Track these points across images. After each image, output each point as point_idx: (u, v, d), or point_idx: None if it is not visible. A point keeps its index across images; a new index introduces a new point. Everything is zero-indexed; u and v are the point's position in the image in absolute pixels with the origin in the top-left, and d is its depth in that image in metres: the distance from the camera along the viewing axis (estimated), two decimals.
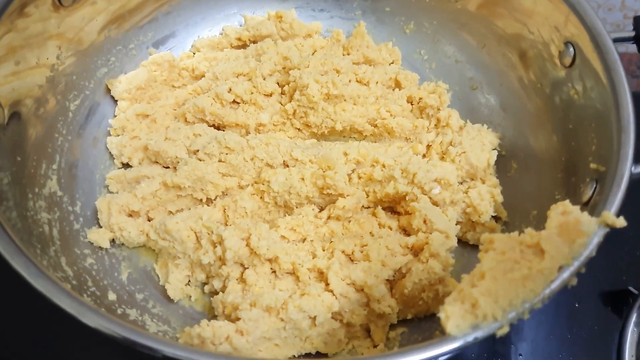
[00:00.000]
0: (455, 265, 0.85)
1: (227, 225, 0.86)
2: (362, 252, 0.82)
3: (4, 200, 0.71)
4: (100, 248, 0.84)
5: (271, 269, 0.81)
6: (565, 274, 0.60)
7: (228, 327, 0.71)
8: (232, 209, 0.86)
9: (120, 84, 0.96)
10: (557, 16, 0.85)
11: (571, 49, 0.84)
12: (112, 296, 0.78)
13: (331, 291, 0.77)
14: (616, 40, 0.79)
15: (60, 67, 0.88)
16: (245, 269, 0.81)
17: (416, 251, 0.82)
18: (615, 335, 0.92)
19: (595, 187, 0.72)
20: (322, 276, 0.81)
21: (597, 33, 0.79)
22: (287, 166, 0.89)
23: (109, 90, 0.97)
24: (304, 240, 0.85)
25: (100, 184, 0.92)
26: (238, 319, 0.73)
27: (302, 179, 0.86)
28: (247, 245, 0.80)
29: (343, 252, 0.83)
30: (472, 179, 0.92)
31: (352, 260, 0.82)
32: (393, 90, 1.03)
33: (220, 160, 0.87)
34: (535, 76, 0.94)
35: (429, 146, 0.96)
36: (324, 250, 0.84)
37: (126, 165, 0.94)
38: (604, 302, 0.96)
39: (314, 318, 0.74)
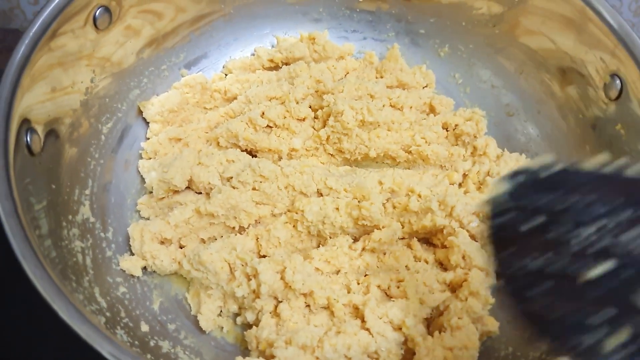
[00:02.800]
0: (494, 303, 0.84)
1: (260, 255, 0.84)
2: (398, 287, 0.80)
3: (37, 228, 0.70)
4: (132, 276, 0.83)
5: (305, 303, 0.80)
6: None
7: None
8: (265, 238, 0.85)
9: (153, 107, 0.95)
10: (604, 47, 0.83)
11: (618, 82, 0.82)
12: (144, 327, 0.77)
13: (367, 329, 0.75)
14: None
15: (94, 90, 0.88)
16: (279, 302, 0.80)
17: (454, 287, 0.80)
18: None
19: None
20: (357, 312, 0.79)
21: None
22: (321, 195, 0.88)
23: (140, 112, 0.96)
24: (338, 272, 0.83)
25: (132, 208, 0.91)
26: (273, 356, 0.72)
27: (337, 208, 0.84)
28: (282, 278, 0.78)
29: (379, 287, 0.82)
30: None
31: (388, 296, 0.81)
32: (427, 115, 1.01)
33: (254, 189, 0.86)
34: (577, 106, 0.91)
35: (465, 175, 0.94)
36: (358, 284, 0.83)
37: None
38: None
39: (350, 357, 0.72)
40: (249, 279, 0.78)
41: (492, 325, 0.80)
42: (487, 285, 0.78)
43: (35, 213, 0.71)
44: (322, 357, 0.72)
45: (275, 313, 0.79)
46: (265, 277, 0.76)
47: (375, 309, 0.76)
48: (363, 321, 0.76)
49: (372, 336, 0.74)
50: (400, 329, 0.75)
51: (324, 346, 0.72)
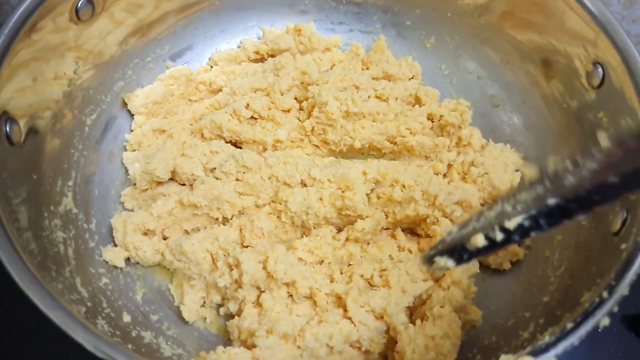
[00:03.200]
0: (476, 292, 0.84)
1: (243, 245, 0.84)
2: (381, 276, 0.80)
3: (15, 221, 0.69)
4: (115, 267, 0.83)
5: (288, 292, 0.80)
6: (599, 314, 0.58)
7: (244, 355, 0.70)
8: (249, 229, 0.84)
9: (137, 98, 0.95)
10: (586, 35, 0.83)
11: (600, 70, 0.81)
12: (126, 318, 0.77)
13: (349, 318, 0.75)
14: None
15: (78, 81, 0.87)
16: (261, 292, 0.79)
17: (437, 277, 0.80)
18: None
19: (627, 217, 0.70)
20: (340, 301, 0.79)
21: (629, 55, 0.77)
22: (305, 185, 0.87)
23: (125, 104, 0.96)
24: (321, 262, 0.83)
25: (116, 200, 0.90)
26: (254, 345, 0.72)
27: (321, 199, 0.84)
28: (264, 268, 0.78)
29: (362, 276, 0.81)
30: (494, 201, 0.90)
31: (371, 285, 0.80)
32: (413, 106, 1.01)
33: (237, 179, 0.86)
34: (561, 95, 0.91)
35: (449, 165, 0.94)
36: (342, 274, 0.83)
37: None
38: (627, 327, 0.93)
39: (332, 347, 0.72)
40: (231, 269, 0.78)
41: (475, 314, 0.80)
42: (469, 274, 0.78)
43: (14, 206, 0.70)
44: (304, 346, 0.72)
45: (258, 303, 0.78)
46: (247, 267, 0.76)
47: (358, 298, 0.76)
48: (345, 310, 0.76)
49: (355, 325, 0.74)
50: (382, 317, 0.75)
51: (305, 335, 0.72)
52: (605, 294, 0.62)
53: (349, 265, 0.83)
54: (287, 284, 0.79)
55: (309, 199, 0.84)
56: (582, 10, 0.82)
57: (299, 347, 0.72)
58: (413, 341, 0.73)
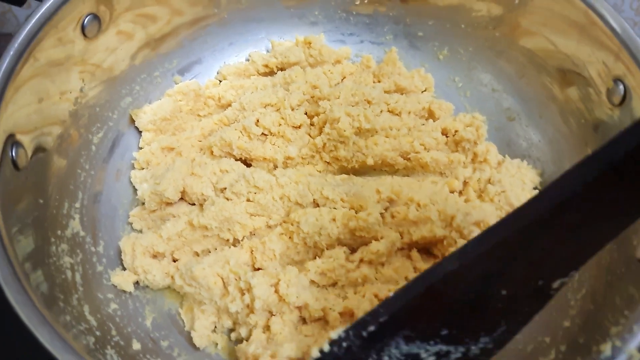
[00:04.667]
0: None
1: (254, 268, 0.82)
2: None
3: (25, 245, 0.68)
4: (124, 291, 0.81)
5: (300, 315, 0.78)
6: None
7: None
8: (260, 250, 0.82)
9: (145, 115, 0.93)
10: (607, 51, 0.80)
11: (621, 87, 0.79)
12: (136, 345, 0.75)
13: None
14: None
15: (84, 99, 0.85)
16: (272, 316, 0.77)
17: None
18: None
19: None
20: (352, 319, 0.77)
21: None
22: (318, 205, 0.85)
23: (132, 120, 0.94)
24: (334, 284, 0.81)
25: (124, 220, 0.89)
26: None
27: (334, 219, 0.82)
28: (276, 292, 0.76)
29: (376, 296, 0.79)
30: None
31: None
32: (427, 120, 0.99)
33: (248, 200, 0.83)
34: (579, 110, 0.89)
35: (465, 182, 0.92)
36: (355, 294, 0.80)
37: None
38: None
39: None
40: (243, 294, 0.76)
41: None
42: None
43: (25, 229, 0.69)
44: None
45: (267, 327, 0.76)
46: (259, 292, 0.74)
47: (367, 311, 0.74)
48: None
49: None
50: None
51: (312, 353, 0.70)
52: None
53: (363, 286, 0.81)
54: (299, 308, 0.77)
55: (322, 219, 0.82)
56: (603, 25, 0.80)
57: None
58: None
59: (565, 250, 0.50)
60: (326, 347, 0.63)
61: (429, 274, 0.54)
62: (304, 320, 0.79)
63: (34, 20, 0.74)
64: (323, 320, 0.78)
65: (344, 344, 0.62)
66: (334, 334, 0.63)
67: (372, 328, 0.58)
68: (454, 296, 0.54)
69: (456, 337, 0.59)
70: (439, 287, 0.53)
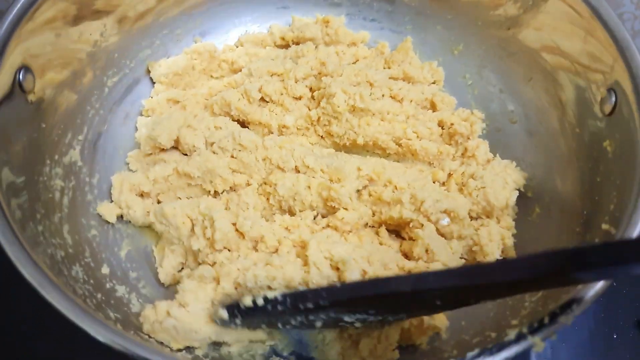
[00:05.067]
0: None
1: None
2: None
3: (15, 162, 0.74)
4: (107, 222, 0.87)
5: (255, 249, 0.81)
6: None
7: (168, 303, 0.74)
8: (235, 202, 0.86)
9: (160, 68, 0.99)
10: (605, 59, 0.79)
11: (613, 97, 0.78)
12: (105, 270, 0.81)
13: (305, 262, 0.76)
14: None
15: (103, 43, 0.92)
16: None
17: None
18: None
19: None
20: (302, 251, 0.78)
21: None
22: (299, 172, 0.89)
23: (148, 72, 1.01)
24: None
25: (122, 160, 0.95)
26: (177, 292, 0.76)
27: (309, 187, 0.85)
28: (236, 230, 0.80)
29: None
30: (488, 217, 0.88)
31: None
32: (427, 111, 1.00)
33: (232, 156, 0.88)
34: (576, 120, 0.88)
35: (449, 175, 0.93)
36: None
37: None
38: None
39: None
40: (205, 232, 0.80)
41: (440, 322, 0.78)
42: None
43: (16, 148, 0.75)
44: (244, 284, 0.74)
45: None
46: (220, 224, 0.78)
47: (322, 243, 0.76)
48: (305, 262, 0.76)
49: (308, 267, 0.74)
50: (338, 269, 0.75)
51: (246, 275, 0.74)
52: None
53: None
54: (255, 242, 0.80)
55: (298, 185, 0.85)
56: (604, 33, 0.79)
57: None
58: None
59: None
60: (260, 301, 0.67)
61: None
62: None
63: None
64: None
65: (279, 307, 0.68)
66: (271, 294, 0.67)
67: (310, 305, 0.66)
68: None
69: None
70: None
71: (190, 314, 0.73)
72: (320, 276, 0.74)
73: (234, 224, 0.80)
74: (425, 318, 0.77)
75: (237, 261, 0.77)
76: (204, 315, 0.74)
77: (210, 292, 0.75)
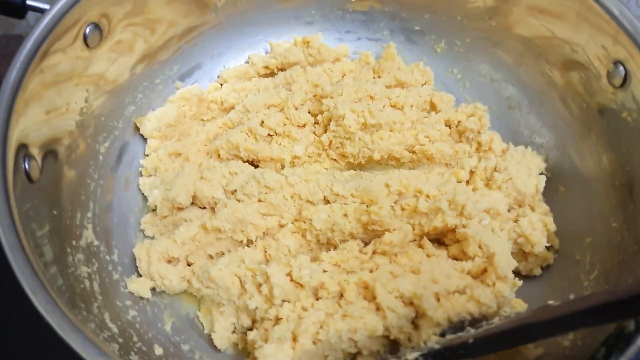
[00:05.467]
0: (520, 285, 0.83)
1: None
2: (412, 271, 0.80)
3: (41, 255, 0.68)
4: (142, 298, 0.81)
5: (316, 297, 0.78)
6: None
7: None
8: (274, 247, 0.83)
9: (149, 122, 0.93)
10: (605, 35, 0.82)
11: (621, 69, 0.80)
12: (158, 350, 0.76)
13: (377, 309, 0.73)
14: None
15: (89, 109, 0.85)
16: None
17: (474, 276, 0.79)
18: None
19: None
20: (367, 292, 0.77)
21: None
22: (328, 201, 0.86)
23: (137, 129, 0.94)
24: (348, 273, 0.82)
25: (135, 228, 0.89)
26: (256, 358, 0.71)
27: (345, 215, 0.83)
28: (291, 280, 0.77)
29: (391, 273, 0.80)
30: (520, 206, 0.89)
31: None
32: (429, 113, 1.00)
33: (259, 200, 0.84)
34: (580, 95, 0.90)
35: (471, 172, 0.93)
36: (371, 272, 0.81)
37: None
38: None
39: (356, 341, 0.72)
40: (260, 287, 0.76)
41: (520, 306, 0.79)
42: (512, 268, 0.77)
43: (39, 240, 0.69)
44: (326, 340, 0.71)
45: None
46: (276, 279, 0.74)
47: (386, 284, 0.75)
48: (372, 301, 0.75)
49: (383, 312, 0.73)
50: (411, 303, 0.74)
51: (329, 330, 0.71)
52: None
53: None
54: (315, 290, 0.77)
55: (334, 215, 0.82)
56: (600, 10, 0.81)
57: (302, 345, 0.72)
58: None
59: None
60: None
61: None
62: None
63: (37, 32, 0.74)
64: (339, 297, 0.78)
65: None
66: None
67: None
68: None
69: None
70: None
71: None
72: (399, 317, 0.72)
73: (288, 274, 0.76)
74: (507, 309, 0.76)
75: (311, 314, 0.73)
76: None
77: (289, 351, 0.71)
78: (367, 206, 0.83)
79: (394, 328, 0.72)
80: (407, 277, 0.76)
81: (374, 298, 0.74)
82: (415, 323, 0.75)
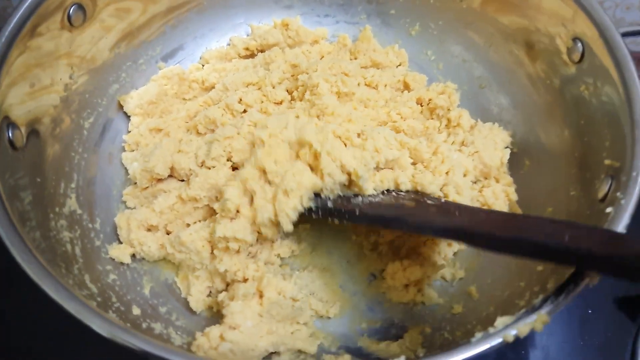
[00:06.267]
0: (472, 265, 0.87)
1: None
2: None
3: (27, 220, 0.72)
4: (122, 263, 0.85)
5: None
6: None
7: (219, 328, 0.74)
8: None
9: (132, 100, 0.97)
10: (564, 12, 0.85)
11: (579, 45, 0.84)
12: (136, 311, 0.79)
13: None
14: (625, 35, 0.79)
15: (74, 86, 0.89)
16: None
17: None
18: (629, 342, 0.91)
19: (611, 184, 0.72)
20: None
21: (605, 28, 0.79)
22: None
23: (121, 107, 0.98)
24: None
25: (118, 200, 0.93)
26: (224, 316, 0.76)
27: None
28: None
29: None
30: (486, 178, 0.93)
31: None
32: (402, 92, 1.04)
33: (229, 159, 0.87)
34: (544, 72, 0.94)
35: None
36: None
37: None
38: (617, 308, 0.95)
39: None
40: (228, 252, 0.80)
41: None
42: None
43: (25, 204, 0.73)
44: (268, 303, 0.76)
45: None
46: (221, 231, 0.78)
47: (331, 152, 0.78)
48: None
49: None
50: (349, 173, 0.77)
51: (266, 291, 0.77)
52: None
53: None
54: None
55: None
56: None
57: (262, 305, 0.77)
58: None
59: None
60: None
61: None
62: None
63: (22, 10, 0.78)
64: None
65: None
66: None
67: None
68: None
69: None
70: None
71: (244, 334, 0.72)
72: (334, 183, 0.77)
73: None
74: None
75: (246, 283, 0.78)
76: (257, 330, 0.74)
77: (256, 307, 0.75)
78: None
79: (327, 190, 0.77)
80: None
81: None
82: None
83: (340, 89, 0.92)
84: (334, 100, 0.91)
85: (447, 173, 0.84)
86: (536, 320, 0.60)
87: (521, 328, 0.60)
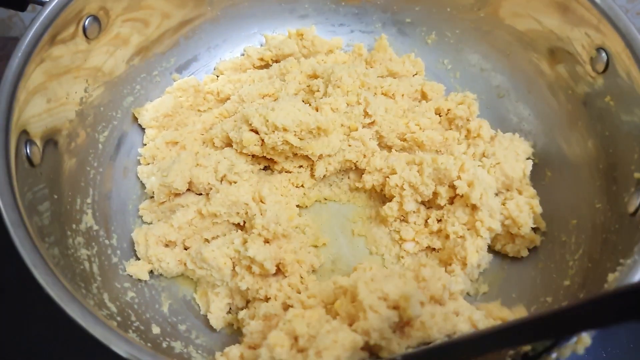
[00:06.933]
0: (495, 279, 0.85)
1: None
2: None
3: (46, 236, 0.70)
4: (140, 280, 0.84)
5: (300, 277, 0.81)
6: None
7: (239, 348, 0.72)
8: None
9: (147, 112, 0.96)
10: (588, 22, 0.84)
11: (604, 55, 0.83)
12: (155, 330, 0.78)
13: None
14: None
15: (89, 99, 0.88)
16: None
17: None
18: None
19: None
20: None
21: (632, 39, 0.78)
22: None
23: (135, 119, 0.97)
24: None
25: (134, 214, 0.91)
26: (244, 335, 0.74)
27: None
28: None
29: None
30: (508, 190, 0.91)
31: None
32: (419, 102, 1.02)
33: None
34: (566, 82, 0.92)
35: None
36: None
37: None
38: None
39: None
40: (251, 270, 0.78)
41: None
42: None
43: (44, 221, 0.72)
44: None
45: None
46: (254, 253, 0.77)
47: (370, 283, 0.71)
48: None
49: (364, 312, 0.68)
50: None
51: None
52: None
53: None
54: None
55: None
56: None
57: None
58: None
59: None
60: None
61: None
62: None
63: (38, 23, 0.77)
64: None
65: None
66: None
67: None
68: None
69: None
70: None
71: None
72: (381, 320, 0.67)
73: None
74: None
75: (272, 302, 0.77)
76: None
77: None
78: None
79: (374, 332, 0.66)
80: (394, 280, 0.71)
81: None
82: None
83: (363, 81, 0.92)
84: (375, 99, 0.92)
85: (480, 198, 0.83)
86: (577, 342, 0.58)
87: (562, 351, 0.58)
